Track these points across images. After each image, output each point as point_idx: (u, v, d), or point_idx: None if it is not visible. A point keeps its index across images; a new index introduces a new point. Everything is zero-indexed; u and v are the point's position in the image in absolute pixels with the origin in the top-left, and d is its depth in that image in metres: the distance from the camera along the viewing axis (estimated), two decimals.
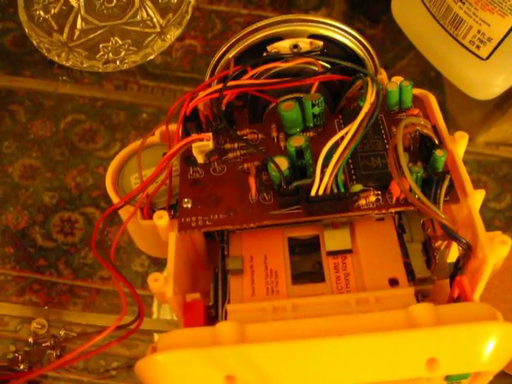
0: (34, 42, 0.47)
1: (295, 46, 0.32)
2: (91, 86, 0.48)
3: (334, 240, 0.29)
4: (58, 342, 0.38)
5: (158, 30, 0.47)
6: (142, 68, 0.48)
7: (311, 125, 0.30)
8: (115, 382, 0.39)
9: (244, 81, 0.31)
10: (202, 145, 0.30)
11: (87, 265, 0.42)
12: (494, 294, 0.38)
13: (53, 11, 0.47)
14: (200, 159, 0.30)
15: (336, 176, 0.27)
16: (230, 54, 0.32)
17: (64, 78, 0.48)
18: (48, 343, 0.38)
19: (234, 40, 0.32)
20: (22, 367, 0.37)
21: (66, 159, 0.46)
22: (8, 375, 0.34)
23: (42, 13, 0.47)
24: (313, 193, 0.27)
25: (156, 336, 0.39)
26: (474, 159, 0.45)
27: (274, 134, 0.31)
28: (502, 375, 0.37)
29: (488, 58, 0.42)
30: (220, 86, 0.31)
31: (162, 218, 0.29)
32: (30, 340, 0.38)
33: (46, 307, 0.40)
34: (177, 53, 0.49)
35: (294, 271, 0.28)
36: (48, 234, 0.43)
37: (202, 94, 0.31)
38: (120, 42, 0.47)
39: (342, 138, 0.28)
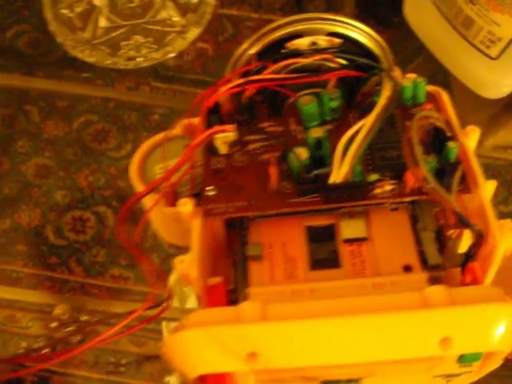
0: (59, 40, 0.48)
1: (314, 43, 0.33)
2: (104, 87, 0.49)
3: (349, 229, 0.29)
4: (81, 327, 0.39)
5: (179, 28, 0.48)
6: (154, 70, 0.49)
7: (328, 118, 0.31)
8: (124, 379, 0.39)
9: (265, 75, 0.32)
10: (224, 136, 0.31)
11: (98, 263, 0.42)
12: None
13: (77, 10, 0.49)
14: (222, 150, 0.31)
15: (354, 165, 0.28)
16: (252, 51, 0.33)
17: (85, 75, 0.49)
18: (71, 328, 0.39)
19: (256, 37, 0.33)
20: (45, 351, 0.38)
21: (79, 159, 0.46)
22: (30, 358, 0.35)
23: (66, 11, 0.48)
24: (331, 181, 0.28)
25: (164, 323, 0.39)
26: (482, 163, 0.44)
27: (293, 127, 0.32)
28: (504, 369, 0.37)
29: (498, 57, 0.43)
30: (241, 80, 0.32)
31: (186, 205, 0.30)
32: (53, 325, 0.39)
33: (67, 294, 0.41)
34: (188, 56, 0.50)
35: (311, 258, 0.29)
36: (60, 232, 0.43)
37: (223, 89, 0.32)
38: (141, 40, 0.48)
39: (358, 130, 0.29)
